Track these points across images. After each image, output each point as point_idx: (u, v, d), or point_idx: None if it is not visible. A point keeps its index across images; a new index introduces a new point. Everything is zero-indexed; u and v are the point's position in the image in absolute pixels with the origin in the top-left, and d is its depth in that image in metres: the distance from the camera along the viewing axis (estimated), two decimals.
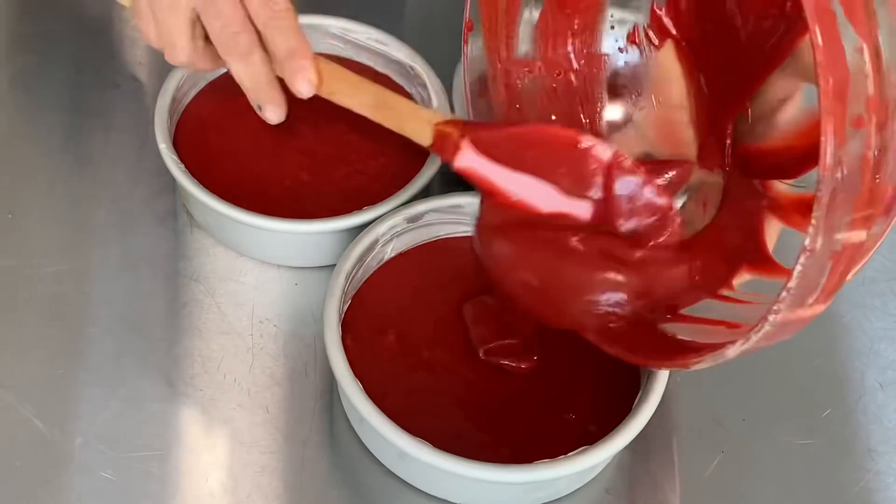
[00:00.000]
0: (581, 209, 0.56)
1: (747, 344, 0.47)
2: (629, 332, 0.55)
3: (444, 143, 0.57)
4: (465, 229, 0.62)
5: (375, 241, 0.59)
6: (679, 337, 0.53)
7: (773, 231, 0.54)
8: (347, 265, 0.58)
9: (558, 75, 0.61)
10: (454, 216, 0.62)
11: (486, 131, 0.57)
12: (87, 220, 0.64)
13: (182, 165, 0.62)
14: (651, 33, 0.60)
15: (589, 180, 0.56)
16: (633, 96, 0.61)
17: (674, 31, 0.59)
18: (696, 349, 0.50)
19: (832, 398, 0.61)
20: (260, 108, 0.59)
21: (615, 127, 0.62)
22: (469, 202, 0.61)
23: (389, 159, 0.65)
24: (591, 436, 0.54)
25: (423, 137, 0.58)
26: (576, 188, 0.56)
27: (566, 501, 0.56)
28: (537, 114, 0.61)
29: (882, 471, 0.59)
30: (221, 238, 0.64)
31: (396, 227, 0.60)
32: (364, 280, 0.60)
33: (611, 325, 0.55)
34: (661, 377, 0.55)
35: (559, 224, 0.56)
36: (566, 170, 0.56)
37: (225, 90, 0.67)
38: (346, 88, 0.60)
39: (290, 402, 0.58)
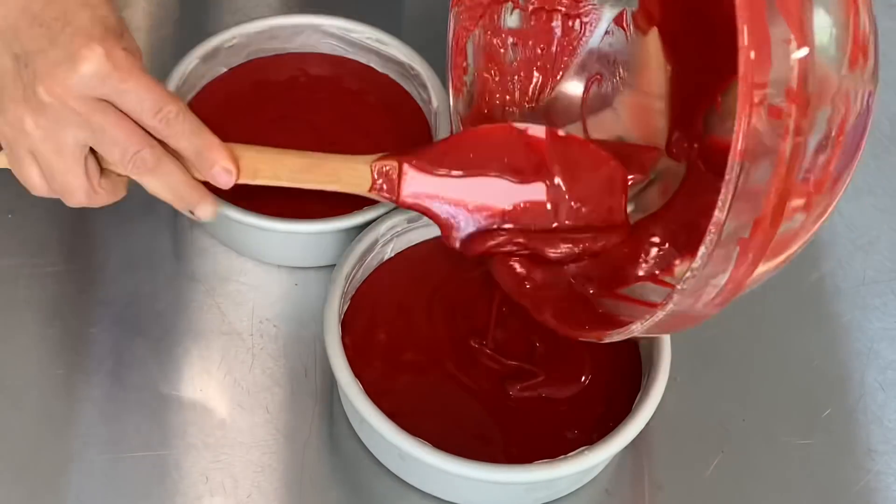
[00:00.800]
0: (537, 193, 0.57)
1: (650, 321, 0.47)
2: (562, 301, 0.55)
3: (387, 177, 0.57)
4: None
5: (375, 241, 0.59)
6: (609, 312, 0.53)
7: None
8: (347, 265, 0.58)
9: (542, 50, 0.61)
10: None
11: (425, 151, 0.57)
12: (88, 221, 0.64)
13: None
14: (639, 19, 0.60)
15: (533, 160, 0.57)
16: (615, 80, 0.61)
17: (658, 19, 0.59)
18: (618, 324, 0.50)
19: (832, 398, 0.61)
20: (191, 212, 0.55)
21: (593, 109, 0.62)
22: None
23: None
24: (591, 436, 0.54)
25: (362, 182, 0.57)
26: (525, 173, 0.57)
27: (566, 501, 0.56)
28: (510, 82, 0.62)
29: (882, 471, 0.59)
30: (221, 238, 0.64)
31: (396, 227, 0.60)
32: (364, 280, 0.60)
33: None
34: (662, 378, 0.55)
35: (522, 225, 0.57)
36: (510, 158, 0.57)
37: (225, 91, 0.68)
38: (267, 163, 0.56)
39: (290, 402, 0.58)
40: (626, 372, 0.57)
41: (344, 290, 0.57)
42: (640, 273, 0.55)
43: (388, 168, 0.57)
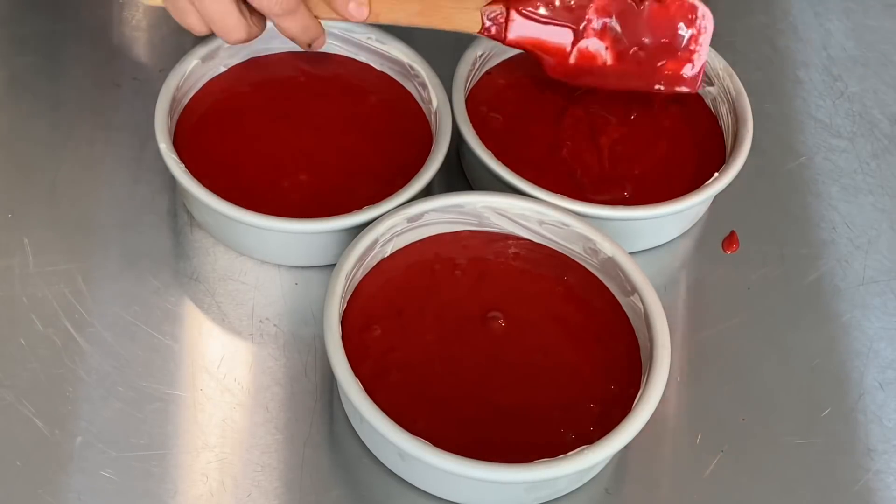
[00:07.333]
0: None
1: None
2: None
3: (495, 21, 0.65)
4: (465, 228, 0.62)
5: (375, 241, 0.59)
6: None
7: None
8: (347, 265, 0.58)
9: None
10: (454, 216, 0.62)
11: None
12: (88, 220, 0.64)
13: (182, 165, 0.62)
14: None
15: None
16: None
17: None
18: None
19: (832, 398, 0.61)
20: (310, 45, 0.65)
21: None
22: (469, 202, 0.61)
23: (389, 159, 0.65)
24: (591, 436, 0.54)
25: (473, 25, 0.65)
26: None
27: (566, 501, 0.57)
28: None
29: (881, 470, 0.59)
30: (221, 238, 0.64)
31: (396, 227, 0.60)
32: (364, 279, 0.60)
33: None
34: (662, 378, 0.55)
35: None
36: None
37: (224, 90, 0.68)
38: (388, 6, 0.64)
39: (290, 401, 0.58)
40: (626, 372, 0.57)
41: (344, 289, 0.57)
42: None
43: (496, 13, 0.65)
